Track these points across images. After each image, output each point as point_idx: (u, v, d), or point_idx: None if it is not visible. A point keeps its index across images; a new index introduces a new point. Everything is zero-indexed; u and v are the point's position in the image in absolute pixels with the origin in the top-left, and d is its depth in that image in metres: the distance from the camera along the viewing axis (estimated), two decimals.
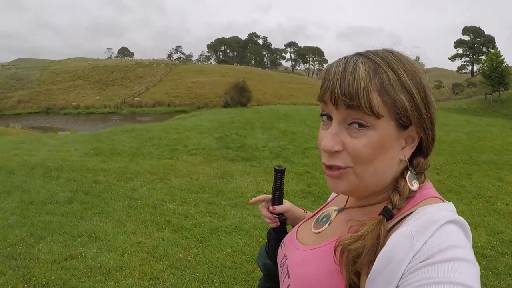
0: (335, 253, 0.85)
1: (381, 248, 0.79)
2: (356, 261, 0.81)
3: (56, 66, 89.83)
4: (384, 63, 0.85)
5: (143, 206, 7.42)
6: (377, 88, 0.82)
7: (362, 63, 0.84)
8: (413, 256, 0.75)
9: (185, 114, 36.27)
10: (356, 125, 0.84)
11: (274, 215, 1.30)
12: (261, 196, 1.35)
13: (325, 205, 1.19)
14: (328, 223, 1.05)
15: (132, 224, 6.56)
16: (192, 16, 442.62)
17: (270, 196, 1.32)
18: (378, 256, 0.78)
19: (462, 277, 0.70)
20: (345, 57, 0.88)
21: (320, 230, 1.04)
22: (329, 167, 0.90)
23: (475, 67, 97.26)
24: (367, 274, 0.80)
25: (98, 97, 64.81)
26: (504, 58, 40.27)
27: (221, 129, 17.21)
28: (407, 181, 0.89)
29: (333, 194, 1.23)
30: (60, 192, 8.14)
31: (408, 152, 0.90)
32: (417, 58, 0.94)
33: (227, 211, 7.31)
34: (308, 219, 1.17)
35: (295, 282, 0.96)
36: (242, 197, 8.22)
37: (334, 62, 0.89)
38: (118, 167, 10.53)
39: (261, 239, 6.04)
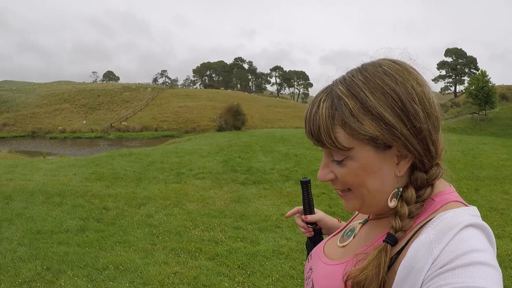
0: (345, 285, 0.84)
1: (383, 276, 0.79)
2: None
3: (42, 89, 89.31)
4: (346, 93, 0.84)
5: (166, 233, 6.93)
6: (339, 123, 0.83)
7: (323, 101, 0.85)
8: (432, 263, 0.73)
9: (179, 138, 35.80)
10: (336, 162, 0.88)
11: (308, 225, 1.35)
12: (295, 208, 1.39)
13: (352, 219, 1.20)
14: (353, 236, 1.05)
15: (161, 253, 6.03)
16: (177, 40, 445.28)
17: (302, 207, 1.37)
18: (400, 267, 0.78)
19: (481, 282, 0.67)
20: (317, 94, 0.90)
21: (344, 243, 1.05)
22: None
23: (458, 88, 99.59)
24: None
25: (84, 121, 64.22)
26: (489, 78, 41.29)
27: (222, 152, 16.94)
28: (388, 199, 0.88)
29: None
30: (68, 219, 7.60)
31: (403, 168, 0.88)
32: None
33: (257, 235, 6.96)
34: (336, 233, 1.18)
35: None
36: (267, 220, 7.83)
37: (311, 102, 0.91)
38: (125, 192, 10.05)
39: (304, 262, 5.48)
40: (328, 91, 0.88)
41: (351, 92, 0.84)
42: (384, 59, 0.90)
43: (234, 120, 33.88)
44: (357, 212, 1.20)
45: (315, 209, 1.37)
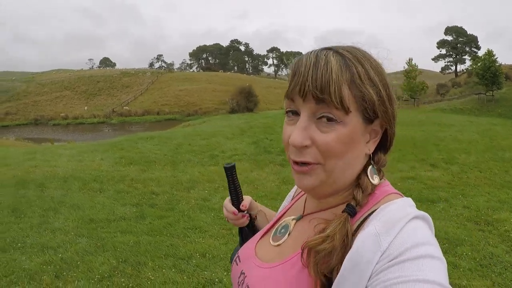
0: (302, 254, 0.83)
1: (349, 247, 0.78)
2: (326, 261, 0.78)
3: (41, 77, 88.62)
4: (353, 58, 0.85)
5: None
6: (347, 81, 0.82)
7: (333, 56, 0.84)
8: (381, 256, 0.73)
9: (193, 121, 35.39)
10: (325, 120, 0.83)
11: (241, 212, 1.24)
12: (227, 204, 1.27)
13: (280, 217, 1.14)
14: (288, 233, 1.01)
15: None
16: (168, 24, 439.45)
17: (229, 199, 1.27)
18: (345, 259, 0.76)
19: (431, 274, 0.69)
20: (314, 51, 0.87)
21: (279, 242, 1.00)
22: (298, 163, 0.87)
23: (459, 67, 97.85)
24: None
25: (86, 107, 63.69)
26: (496, 58, 40.54)
27: (246, 134, 16.63)
28: (369, 176, 0.89)
29: (285, 204, 1.24)
30: (118, 206, 7.20)
31: (372, 146, 0.90)
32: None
33: None
34: (266, 232, 1.12)
35: None
36: None
37: (304, 55, 0.88)
38: (165, 176, 9.64)
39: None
40: (333, 51, 0.85)
41: (357, 59, 0.85)
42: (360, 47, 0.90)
43: (246, 101, 33.94)
44: (285, 208, 1.18)
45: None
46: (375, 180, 0.89)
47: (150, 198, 7.75)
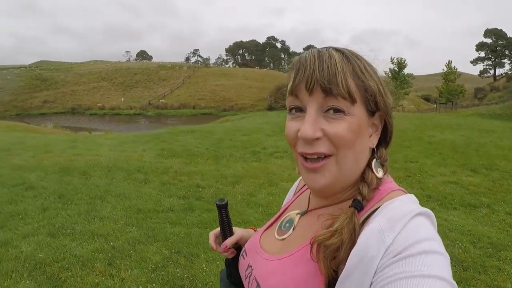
0: (311, 249, 0.83)
1: (354, 243, 0.79)
2: (335, 256, 0.79)
3: (79, 67, 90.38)
4: (351, 54, 0.88)
5: None
6: (350, 73, 0.84)
7: (334, 51, 0.87)
8: (385, 252, 0.74)
9: (232, 116, 35.50)
10: (332, 111, 0.84)
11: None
12: (211, 237, 1.28)
13: (284, 210, 1.16)
14: (292, 228, 1.02)
15: None
16: (205, 19, 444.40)
17: (218, 231, 1.27)
18: (350, 255, 0.77)
19: (435, 270, 0.70)
20: (313, 49, 0.90)
21: (284, 236, 1.02)
22: (307, 159, 0.88)
23: (498, 71, 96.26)
24: None
25: (123, 99, 64.52)
26: None
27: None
28: (373, 169, 0.90)
29: (288, 198, 1.28)
30: (164, 197, 7.16)
31: (375, 140, 0.92)
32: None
33: None
34: (270, 225, 1.14)
35: None
36: None
37: (304, 53, 0.90)
38: (208, 169, 9.54)
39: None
40: (332, 48, 0.88)
41: (355, 55, 0.88)
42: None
43: (284, 99, 33.10)
44: (286, 203, 1.21)
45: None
46: (380, 173, 0.90)
47: (196, 191, 7.67)
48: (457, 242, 5.39)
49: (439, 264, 0.71)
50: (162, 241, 5.14)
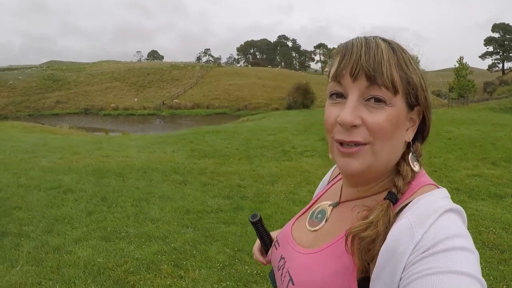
0: (346, 241, 0.83)
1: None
2: (370, 249, 0.79)
3: (91, 68, 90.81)
4: (396, 45, 0.87)
5: None
6: (395, 64, 0.84)
7: (381, 41, 0.86)
8: (414, 248, 0.73)
9: (252, 116, 35.75)
10: (373, 100, 0.84)
11: None
12: (256, 254, 1.33)
13: (316, 200, 1.15)
14: (325, 219, 1.01)
15: None
16: (214, 18, 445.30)
17: (259, 245, 1.29)
18: (380, 251, 0.77)
19: (463, 266, 0.69)
20: (360, 36, 0.89)
21: (316, 228, 1.01)
22: (343, 145, 0.86)
23: (506, 65, 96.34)
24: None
25: (136, 99, 64.56)
26: None
27: (310, 130, 16.47)
28: (410, 163, 0.89)
29: (321, 187, 1.27)
30: (208, 197, 7.14)
31: (411, 134, 0.91)
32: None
33: None
34: (301, 215, 1.14)
35: None
36: None
37: (352, 39, 0.89)
38: (244, 169, 9.49)
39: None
40: (379, 37, 0.87)
41: (400, 47, 0.87)
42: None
43: (303, 98, 34.32)
44: (319, 193, 1.20)
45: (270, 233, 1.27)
46: (416, 167, 0.89)
47: (238, 190, 7.63)
48: (491, 229, 5.68)
49: (468, 261, 0.70)
50: (222, 241, 5.12)
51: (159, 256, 4.63)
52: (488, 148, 12.25)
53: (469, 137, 14.32)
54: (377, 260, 0.77)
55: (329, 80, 0.90)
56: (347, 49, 0.86)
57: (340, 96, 0.87)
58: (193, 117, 53.80)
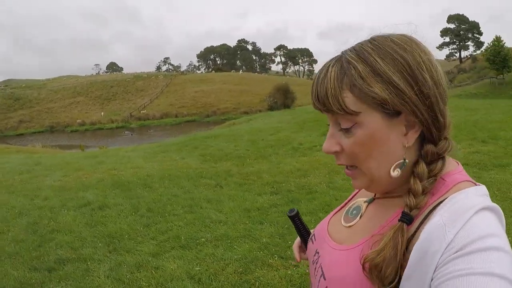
0: (363, 268, 0.81)
1: (401, 257, 0.77)
2: (382, 275, 0.78)
3: (52, 84, 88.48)
4: (355, 58, 0.83)
5: None
6: (347, 86, 0.81)
7: (332, 66, 0.85)
8: (446, 247, 0.71)
9: (236, 119, 36.12)
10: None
11: None
12: (296, 246, 1.32)
13: (354, 196, 1.15)
14: (359, 216, 1.00)
15: None
16: (170, 26, 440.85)
17: (299, 241, 1.30)
18: (413, 250, 0.75)
19: (496, 268, 0.67)
20: (326, 63, 0.89)
21: (351, 224, 1.00)
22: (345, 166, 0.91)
23: (463, 53, 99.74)
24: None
25: (102, 113, 63.51)
26: (504, 43, 43.03)
27: (306, 127, 16.61)
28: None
29: None
30: (256, 196, 7.09)
31: (411, 138, 0.85)
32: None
33: None
34: (338, 211, 1.14)
35: (332, 285, 0.91)
36: None
37: (318, 71, 0.90)
38: (268, 168, 9.43)
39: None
40: (337, 58, 0.86)
41: (360, 57, 0.83)
42: (392, 33, 0.88)
43: (284, 98, 35.14)
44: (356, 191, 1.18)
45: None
46: (394, 173, 0.84)
47: (279, 186, 7.56)
48: None
49: (501, 262, 0.67)
50: (294, 235, 4.94)
51: (256, 252, 4.60)
52: (472, 130, 12.69)
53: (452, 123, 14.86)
54: (409, 260, 0.75)
55: None
56: (313, 82, 0.88)
57: None
58: (163, 126, 53.50)
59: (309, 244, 1.13)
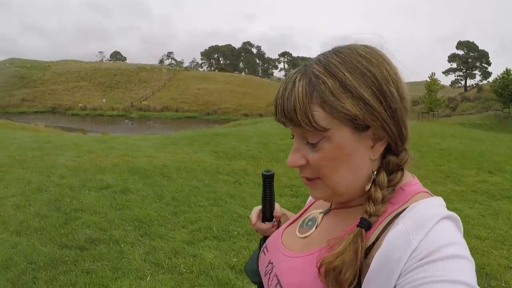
0: (319, 271, 0.82)
1: (360, 262, 0.78)
2: (340, 279, 0.78)
3: (56, 66, 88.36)
4: (324, 72, 0.81)
5: None
6: (317, 101, 0.80)
7: (299, 80, 0.82)
8: (411, 254, 0.73)
9: (243, 120, 35.83)
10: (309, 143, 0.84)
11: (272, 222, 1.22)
12: (253, 213, 1.25)
13: (307, 208, 1.15)
14: (315, 226, 1.00)
15: None
16: (176, 22, 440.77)
17: (260, 208, 1.23)
18: (375, 257, 0.76)
19: (460, 275, 0.69)
20: (289, 75, 0.87)
21: (307, 234, 1.00)
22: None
23: (469, 82, 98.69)
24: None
25: (104, 100, 63.55)
26: None
27: None
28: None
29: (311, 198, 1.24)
30: (279, 198, 7.03)
31: (377, 150, 0.87)
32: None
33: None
34: (291, 223, 1.12)
35: None
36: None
37: (282, 82, 0.88)
38: (283, 171, 9.24)
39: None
40: (303, 71, 0.84)
41: (329, 72, 0.81)
42: (355, 43, 0.88)
43: None
44: (313, 200, 1.17)
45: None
46: (367, 186, 0.86)
47: (298, 190, 7.68)
48: None
49: (465, 269, 0.70)
50: None
51: None
52: (478, 160, 12.71)
53: (456, 149, 14.71)
54: (370, 266, 0.76)
55: None
56: (276, 95, 0.86)
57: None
58: (163, 119, 53.48)
59: (261, 255, 1.12)
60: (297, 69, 0.86)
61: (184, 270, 4.05)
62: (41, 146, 11.14)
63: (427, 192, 0.87)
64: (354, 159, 0.84)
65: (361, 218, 0.83)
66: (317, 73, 0.81)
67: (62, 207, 5.91)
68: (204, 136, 14.63)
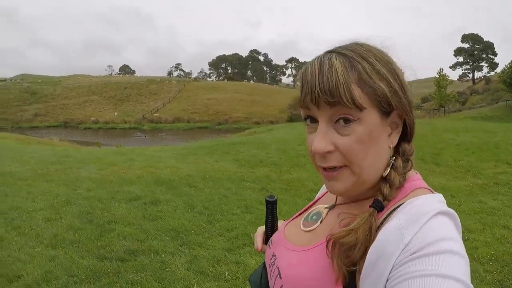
0: (327, 245, 0.83)
1: (372, 242, 0.78)
2: (349, 255, 0.79)
3: (67, 81, 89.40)
4: (356, 55, 0.83)
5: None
6: (355, 80, 0.81)
7: (336, 59, 0.82)
8: (403, 249, 0.73)
9: (258, 128, 35.86)
10: (342, 122, 0.82)
11: None
12: (258, 237, 1.22)
13: (313, 204, 1.15)
14: (320, 221, 1.00)
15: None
16: (183, 34, 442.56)
17: (263, 230, 1.22)
18: (369, 251, 0.77)
19: (451, 270, 0.69)
20: (317, 57, 0.86)
21: (311, 228, 1.00)
22: (325, 168, 0.87)
23: (476, 74, 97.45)
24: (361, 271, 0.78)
25: (116, 113, 63.94)
26: None
27: None
28: (396, 168, 0.87)
29: (321, 192, 1.24)
30: (308, 202, 6.59)
31: (394, 138, 0.89)
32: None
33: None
34: (295, 217, 1.13)
35: (288, 283, 0.91)
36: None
37: (308, 64, 0.87)
38: (307, 176, 9.47)
39: None
40: (335, 53, 0.84)
41: (361, 56, 0.83)
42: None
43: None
44: (319, 196, 1.18)
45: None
46: (386, 172, 0.86)
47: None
48: None
49: (457, 265, 0.70)
50: None
51: None
52: (494, 152, 12.69)
53: (472, 143, 14.66)
54: (366, 259, 0.76)
55: (300, 105, 0.90)
56: (304, 77, 0.85)
57: (314, 120, 0.86)
58: (175, 131, 53.55)
59: (266, 249, 1.13)
60: (324, 53, 0.86)
61: (230, 277, 4.08)
62: (61, 160, 11.24)
63: (427, 189, 0.88)
64: (380, 144, 0.85)
65: (375, 199, 0.84)
66: (351, 55, 0.83)
67: (94, 220, 5.96)
68: (222, 146, 14.66)
